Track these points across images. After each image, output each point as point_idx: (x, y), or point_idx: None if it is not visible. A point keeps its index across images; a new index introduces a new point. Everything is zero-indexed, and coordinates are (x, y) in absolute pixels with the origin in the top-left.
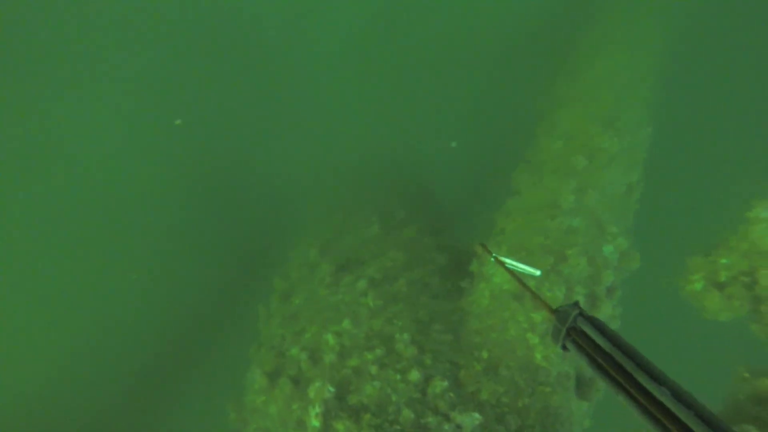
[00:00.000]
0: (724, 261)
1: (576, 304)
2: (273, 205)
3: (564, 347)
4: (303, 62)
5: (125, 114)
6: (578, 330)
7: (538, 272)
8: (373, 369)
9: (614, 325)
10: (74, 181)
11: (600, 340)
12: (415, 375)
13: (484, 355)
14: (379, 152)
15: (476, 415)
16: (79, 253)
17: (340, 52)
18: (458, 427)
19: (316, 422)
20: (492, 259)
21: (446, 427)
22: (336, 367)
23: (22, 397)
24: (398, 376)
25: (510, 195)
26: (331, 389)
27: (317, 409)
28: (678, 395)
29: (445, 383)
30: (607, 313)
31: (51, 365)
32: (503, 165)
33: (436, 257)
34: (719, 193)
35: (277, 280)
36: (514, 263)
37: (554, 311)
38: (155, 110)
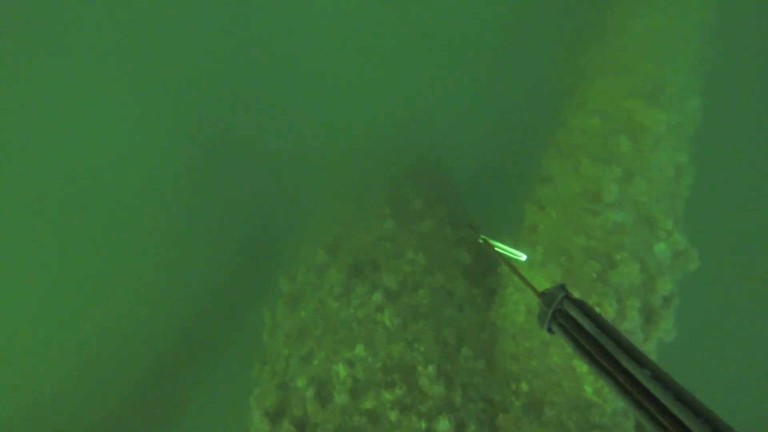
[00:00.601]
0: None
1: (562, 286)
2: (281, 189)
3: (550, 330)
4: (311, 36)
5: (128, 106)
6: (564, 313)
7: (523, 257)
8: (393, 415)
9: (670, 339)
10: (74, 181)
11: (585, 323)
12: (444, 425)
13: (524, 387)
14: (391, 131)
15: None
16: (81, 254)
17: (351, 23)
18: None
19: None
20: (480, 240)
21: None
22: (348, 411)
23: (29, 401)
24: (423, 425)
25: (540, 182)
26: None
27: None
28: (658, 377)
29: None
30: (666, 327)
31: (55, 370)
32: (529, 145)
33: (459, 256)
34: None
35: (284, 280)
36: (502, 246)
37: (541, 294)
38: (159, 101)
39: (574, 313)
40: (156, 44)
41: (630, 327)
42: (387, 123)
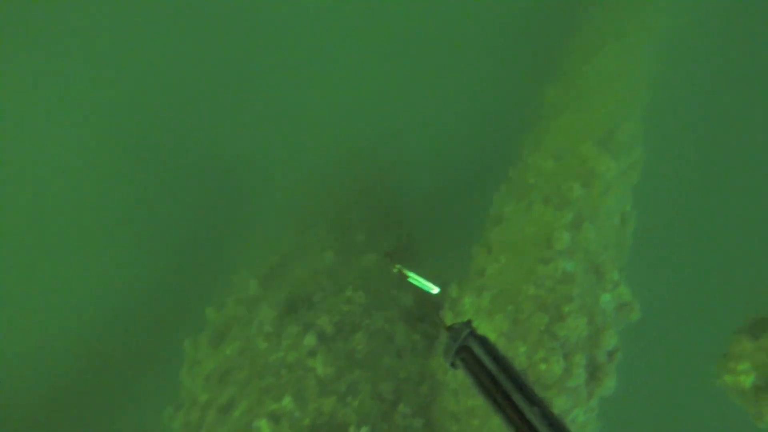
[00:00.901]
0: None
1: (468, 322)
2: (222, 201)
3: (453, 365)
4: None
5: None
6: (468, 349)
7: (436, 290)
8: None
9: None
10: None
11: (486, 360)
12: None
13: None
14: (344, 152)
15: None
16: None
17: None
18: None
19: None
20: (395, 270)
21: None
22: None
23: None
24: None
25: (491, 222)
26: None
27: None
28: (545, 415)
29: None
30: (608, 385)
31: None
32: (482, 179)
33: (400, 296)
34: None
35: (210, 310)
36: (416, 277)
37: (448, 328)
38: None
39: (477, 350)
40: (110, 42)
41: (575, 384)
42: (341, 143)
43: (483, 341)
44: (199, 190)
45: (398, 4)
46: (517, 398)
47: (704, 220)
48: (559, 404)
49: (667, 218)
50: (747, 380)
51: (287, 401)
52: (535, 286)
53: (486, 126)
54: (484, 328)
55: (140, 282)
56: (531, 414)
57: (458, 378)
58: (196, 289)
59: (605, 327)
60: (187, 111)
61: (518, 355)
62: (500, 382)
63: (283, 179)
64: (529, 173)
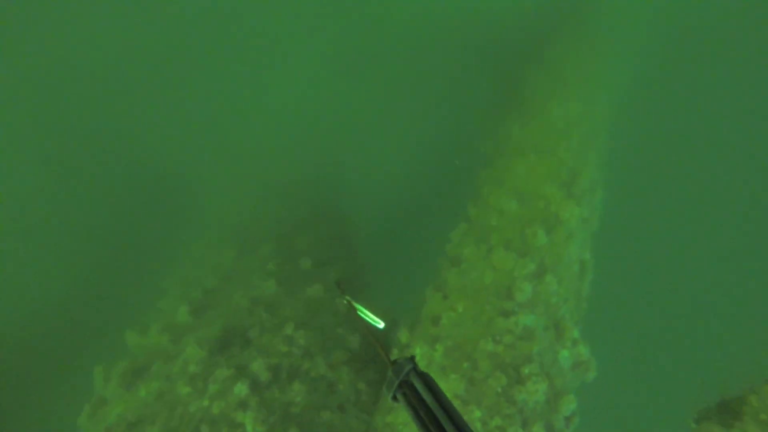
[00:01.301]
0: None
1: (412, 358)
2: (160, 206)
3: (395, 398)
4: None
5: None
6: (409, 384)
7: (381, 324)
8: None
9: None
10: None
11: (426, 396)
12: None
13: None
14: (297, 169)
15: None
16: None
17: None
18: None
19: None
20: (345, 301)
21: None
22: None
23: None
24: None
25: (448, 262)
26: None
27: None
28: None
29: None
30: None
31: None
32: (441, 212)
33: (346, 336)
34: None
35: (132, 336)
36: (363, 310)
37: (392, 362)
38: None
39: (418, 385)
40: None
41: None
42: (290, 163)
43: (424, 377)
44: (128, 198)
45: (358, 24)
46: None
47: (663, 271)
48: None
49: (624, 269)
50: None
51: None
52: (493, 342)
53: (445, 157)
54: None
55: (55, 294)
56: None
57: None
58: (120, 307)
59: (564, 391)
60: (115, 115)
61: (473, 420)
62: (438, 417)
63: (224, 195)
64: (491, 214)
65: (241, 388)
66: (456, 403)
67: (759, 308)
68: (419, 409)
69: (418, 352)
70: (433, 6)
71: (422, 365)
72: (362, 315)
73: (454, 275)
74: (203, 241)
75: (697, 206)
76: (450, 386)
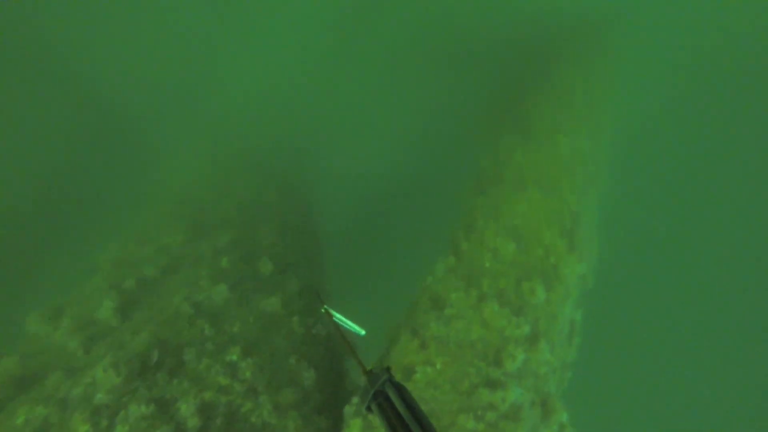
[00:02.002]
0: None
1: (387, 369)
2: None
3: (369, 408)
4: None
5: None
6: (384, 394)
7: (362, 332)
8: None
9: None
10: None
11: (400, 407)
12: None
13: None
14: (265, 150)
15: None
16: None
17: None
18: None
19: None
20: (323, 310)
21: None
22: None
23: None
24: None
25: (429, 301)
26: None
27: None
28: None
29: None
30: None
31: None
32: (425, 235)
33: (301, 370)
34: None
35: (33, 319)
36: (343, 319)
37: (368, 372)
38: None
39: (393, 396)
40: None
41: None
42: (269, 135)
43: (399, 388)
44: (81, 133)
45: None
46: None
47: (654, 342)
48: None
49: (615, 335)
50: None
51: None
52: (474, 419)
53: (437, 161)
54: None
55: None
56: None
57: None
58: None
59: None
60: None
61: None
62: (411, 428)
63: (185, 159)
64: (485, 252)
65: None
66: None
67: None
68: (393, 420)
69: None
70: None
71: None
72: (341, 323)
73: (436, 321)
74: (152, 210)
75: (691, 272)
76: None
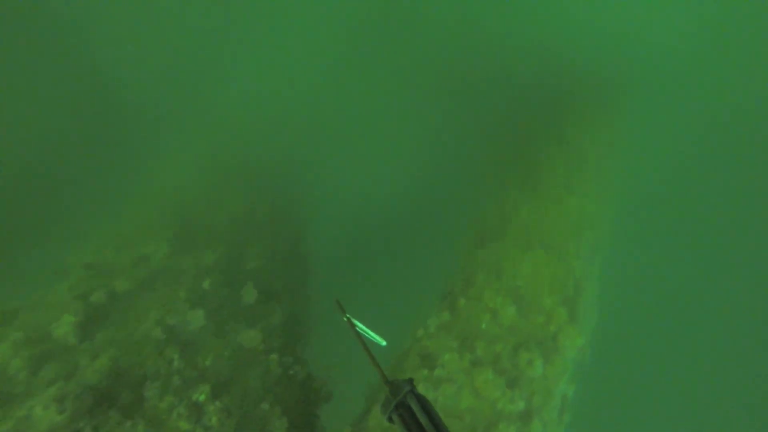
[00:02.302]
0: None
1: (410, 380)
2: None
3: (390, 419)
4: None
5: None
6: (406, 405)
7: (383, 342)
8: None
9: None
10: None
11: (422, 419)
12: None
13: None
14: (261, 164)
15: None
16: None
17: None
18: None
19: None
20: (345, 318)
21: None
22: None
23: None
24: None
25: (416, 357)
26: None
27: None
28: None
29: None
30: None
31: None
32: (418, 282)
33: (272, 418)
34: None
35: None
36: (364, 328)
37: (389, 383)
38: None
39: (415, 407)
40: None
41: None
42: (267, 149)
43: (421, 400)
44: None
45: (386, 15)
46: None
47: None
48: None
49: (606, 413)
50: None
51: None
52: None
53: (437, 207)
54: None
55: None
56: None
57: None
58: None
59: None
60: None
61: None
62: None
63: (178, 163)
64: (483, 312)
65: None
66: None
67: None
68: (414, 431)
69: None
70: (473, 34)
71: None
72: (363, 333)
73: (424, 381)
74: (137, 212)
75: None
76: None
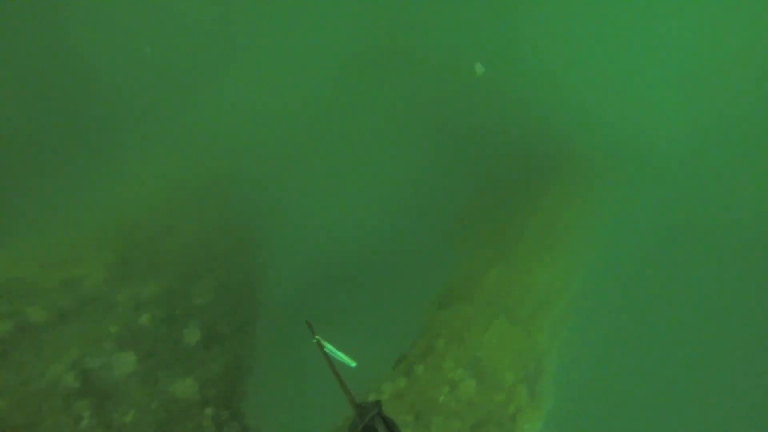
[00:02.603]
0: None
1: (378, 403)
2: None
3: None
4: None
5: None
6: (373, 429)
7: (353, 363)
8: None
9: None
10: None
11: None
12: None
13: None
14: (223, 188)
15: None
16: None
17: None
18: None
19: None
20: (315, 340)
21: None
22: None
23: None
24: None
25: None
26: None
27: None
28: None
29: None
30: None
31: None
32: (377, 325)
33: None
34: None
35: None
36: (334, 350)
37: (357, 405)
38: None
39: (381, 430)
40: None
41: None
42: (231, 172)
43: (388, 422)
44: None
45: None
46: None
47: None
48: None
49: None
50: None
51: None
52: None
53: (405, 258)
54: None
55: None
56: None
57: None
58: None
59: None
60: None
61: None
62: None
63: (135, 168)
64: (441, 383)
65: None
66: None
67: None
68: None
69: None
70: (466, 87)
71: None
72: (333, 355)
73: None
74: (77, 224)
75: None
76: None
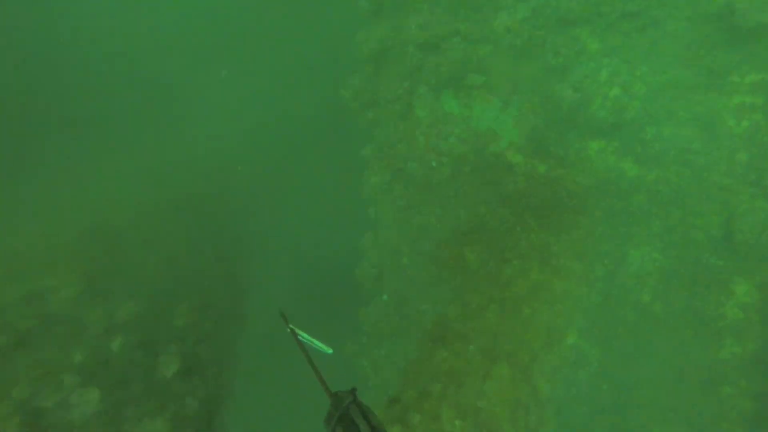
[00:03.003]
0: None
1: (353, 390)
2: None
3: None
4: None
5: None
6: (349, 417)
7: (330, 350)
8: None
9: None
10: None
11: (362, 425)
12: None
13: None
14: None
15: None
16: None
17: None
18: None
19: None
20: (288, 329)
21: None
22: None
23: None
24: None
25: None
26: None
27: None
28: None
29: None
30: None
31: None
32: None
33: None
34: None
35: None
36: (308, 337)
37: (332, 395)
38: None
39: (357, 418)
40: None
41: None
42: (212, 189)
43: (363, 409)
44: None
45: None
46: None
47: None
48: None
49: None
50: None
51: None
52: None
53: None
54: None
55: None
56: None
57: None
58: None
59: None
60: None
61: None
62: None
63: (120, 171)
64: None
65: None
66: None
67: None
68: None
69: None
70: None
71: None
72: (308, 343)
73: None
74: (44, 230)
75: None
76: None
